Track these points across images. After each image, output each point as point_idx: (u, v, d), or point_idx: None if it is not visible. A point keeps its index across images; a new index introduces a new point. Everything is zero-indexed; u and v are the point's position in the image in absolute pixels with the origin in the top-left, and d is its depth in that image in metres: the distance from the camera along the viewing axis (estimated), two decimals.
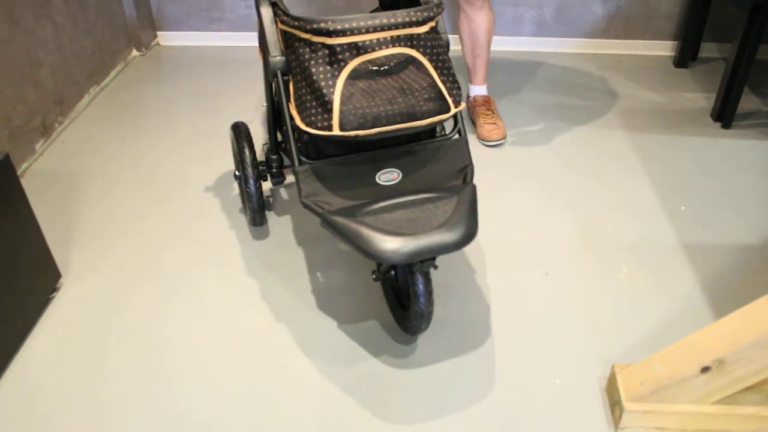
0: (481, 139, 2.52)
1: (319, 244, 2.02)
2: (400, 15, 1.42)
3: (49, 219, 2.17)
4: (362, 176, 1.56)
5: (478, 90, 2.60)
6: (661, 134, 2.58)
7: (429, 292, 1.51)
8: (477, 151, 2.49)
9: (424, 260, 1.41)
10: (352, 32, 1.40)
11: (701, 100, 2.82)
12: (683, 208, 2.17)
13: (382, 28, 1.42)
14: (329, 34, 1.40)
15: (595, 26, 3.15)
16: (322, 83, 1.42)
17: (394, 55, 1.44)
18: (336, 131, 1.42)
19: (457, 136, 1.63)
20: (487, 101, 2.58)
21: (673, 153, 2.46)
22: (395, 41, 1.44)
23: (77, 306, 1.81)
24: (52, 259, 1.84)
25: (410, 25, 1.43)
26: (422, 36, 1.46)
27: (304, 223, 2.12)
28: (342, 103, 1.42)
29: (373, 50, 1.43)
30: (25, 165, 2.45)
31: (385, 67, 1.45)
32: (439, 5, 1.49)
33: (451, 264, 1.94)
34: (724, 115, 2.61)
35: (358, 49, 1.42)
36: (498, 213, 2.15)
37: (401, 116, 1.44)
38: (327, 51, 1.42)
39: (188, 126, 2.68)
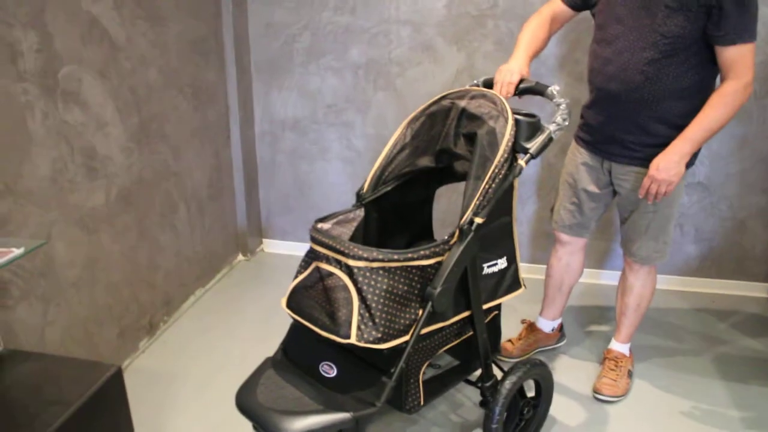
0: (593, 391, 2.45)
1: None
2: (347, 246, 1.65)
3: (142, 419, 2.23)
4: (307, 361, 1.82)
5: (615, 344, 2.55)
6: (760, 386, 2.48)
7: None
8: (566, 399, 2.45)
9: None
10: (312, 240, 1.76)
11: None
12: None
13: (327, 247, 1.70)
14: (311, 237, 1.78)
15: (688, 264, 3.18)
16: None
17: (331, 273, 1.69)
18: (283, 303, 1.80)
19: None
20: (618, 358, 2.50)
21: None
22: (335, 263, 1.69)
23: None
24: None
25: (347, 256, 1.64)
26: (362, 269, 1.63)
27: None
28: (293, 287, 1.79)
29: (322, 261, 1.72)
30: (127, 361, 2.57)
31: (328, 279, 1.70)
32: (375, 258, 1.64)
33: None
34: None
35: (318, 257, 1.74)
36: None
37: (311, 319, 1.70)
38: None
39: (279, 335, 2.77)
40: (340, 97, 3.24)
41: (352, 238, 1.97)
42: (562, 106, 1.90)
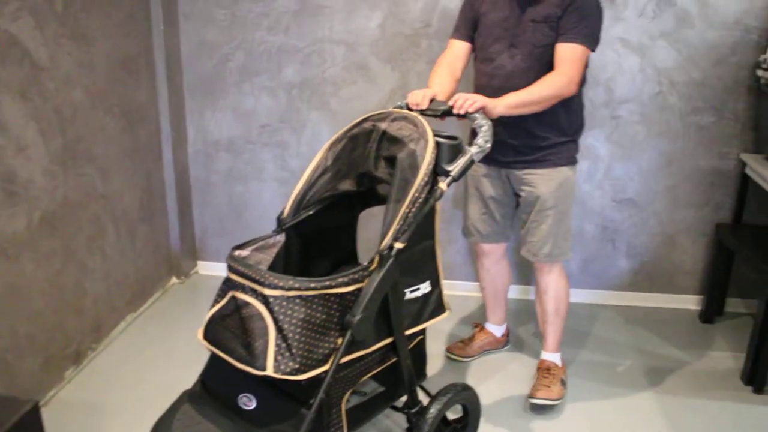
0: (528, 396, 2.48)
1: None
2: (262, 275, 1.62)
3: None
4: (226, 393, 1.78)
5: (545, 355, 2.60)
6: (690, 397, 2.53)
7: None
8: (503, 406, 2.46)
9: None
10: (228, 268, 1.73)
11: (729, 360, 2.79)
12: None
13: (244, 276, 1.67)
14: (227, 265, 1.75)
15: (621, 279, 3.23)
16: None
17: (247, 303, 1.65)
18: (200, 334, 1.77)
19: None
20: (551, 368, 2.54)
21: (703, 420, 2.39)
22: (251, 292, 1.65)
23: None
24: None
25: (263, 285, 1.61)
26: (278, 298, 1.60)
27: None
28: (210, 317, 1.75)
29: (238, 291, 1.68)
30: (51, 393, 2.48)
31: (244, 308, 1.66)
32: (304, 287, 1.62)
33: None
34: (755, 379, 2.57)
35: (234, 286, 1.70)
36: None
37: (228, 350, 1.68)
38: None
39: None
40: (275, 117, 3.21)
41: (273, 264, 1.94)
42: (484, 128, 1.91)
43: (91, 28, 2.58)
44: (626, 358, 2.81)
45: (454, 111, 2.00)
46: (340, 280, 1.65)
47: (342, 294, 1.66)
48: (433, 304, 1.94)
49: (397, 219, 1.72)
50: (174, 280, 3.45)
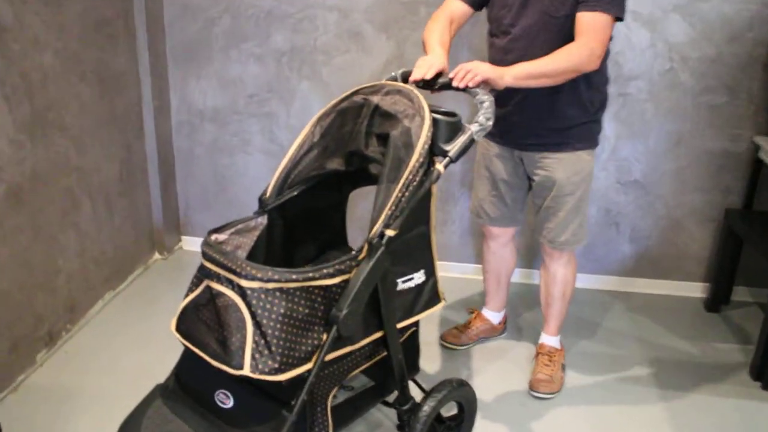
0: (529, 388, 2.37)
1: None
2: (239, 264, 1.46)
3: None
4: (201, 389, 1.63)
5: (546, 338, 2.49)
6: (696, 393, 2.40)
7: None
8: (502, 398, 2.33)
9: None
10: (203, 255, 1.57)
11: (737, 352, 2.66)
12: None
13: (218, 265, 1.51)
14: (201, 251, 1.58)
15: (624, 264, 3.09)
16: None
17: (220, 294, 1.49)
18: (172, 326, 1.62)
19: None
20: (551, 352, 2.45)
21: (709, 418, 2.27)
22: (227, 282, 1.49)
23: None
24: None
25: (239, 276, 1.45)
26: (256, 290, 1.44)
27: None
28: (184, 306, 1.61)
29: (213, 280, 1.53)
30: (21, 377, 2.34)
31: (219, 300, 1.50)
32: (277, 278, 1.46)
33: None
34: (765, 374, 2.45)
35: (209, 275, 1.55)
36: None
37: (201, 345, 1.53)
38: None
39: None
40: (263, 87, 3.03)
41: (254, 249, 1.78)
42: (486, 104, 1.75)
43: None
44: (628, 348, 2.68)
45: (454, 83, 1.83)
46: (325, 271, 1.50)
47: (327, 286, 1.51)
48: (428, 295, 1.79)
49: (389, 204, 1.57)
50: (156, 255, 3.30)
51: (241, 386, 1.56)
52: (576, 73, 1.96)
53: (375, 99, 1.77)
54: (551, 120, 2.13)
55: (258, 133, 3.11)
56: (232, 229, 1.74)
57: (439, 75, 1.88)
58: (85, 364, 2.45)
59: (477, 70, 1.82)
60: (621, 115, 2.84)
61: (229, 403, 1.57)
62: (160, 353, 2.50)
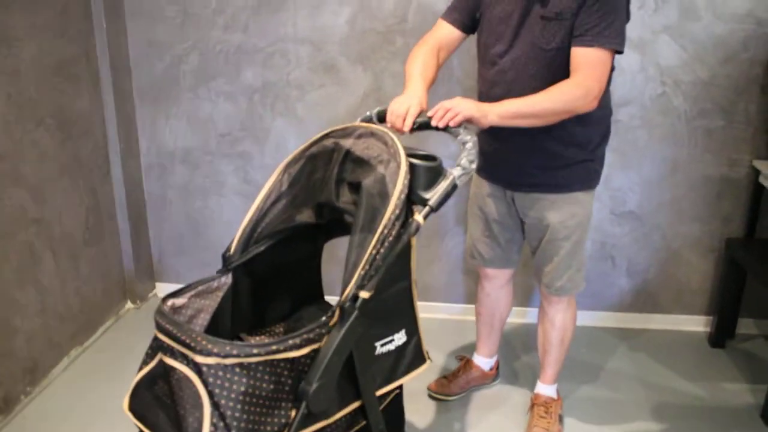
0: None
1: None
2: (193, 338, 1.31)
3: None
4: None
5: (541, 388, 2.32)
6: None
7: None
8: None
9: None
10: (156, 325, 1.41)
11: (746, 393, 2.49)
12: None
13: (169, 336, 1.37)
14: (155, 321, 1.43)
15: (622, 299, 2.93)
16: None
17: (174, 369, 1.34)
18: (125, 405, 1.47)
19: None
20: (548, 403, 2.28)
21: None
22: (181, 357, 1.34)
23: None
24: None
25: (194, 351, 1.30)
26: (213, 367, 1.29)
27: None
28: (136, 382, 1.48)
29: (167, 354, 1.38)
30: None
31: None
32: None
33: None
34: None
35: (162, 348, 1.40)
36: None
37: (156, 428, 1.39)
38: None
39: None
40: (235, 125, 2.87)
41: (219, 312, 1.62)
42: (468, 145, 1.60)
43: (11, 29, 2.23)
44: (630, 392, 2.50)
45: (433, 123, 1.68)
46: (291, 342, 1.33)
47: (294, 358, 1.34)
48: (411, 356, 1.63)
49: (362, 262, 1.41)
50: (129, 305, 3.11)
51: None
52: (569, 114, 1.79)
53: (347, 143, 1.62)
54: (539, 158, 1.95)
55: (231, 174, 2.95)
56: (192, 292, 1.58)
57: (419, 114, 1.72)
58: (47, 430, 2.26)
59: (458, 108, 1.67)
60: (612, 143, 2.66)
61: None
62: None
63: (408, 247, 1.53)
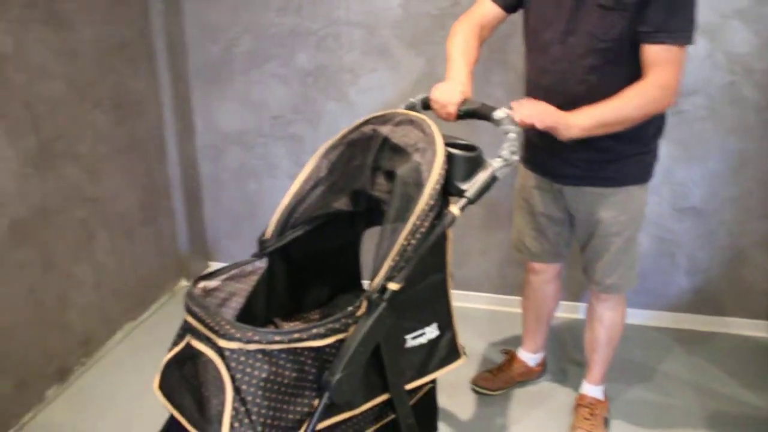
0: None
1: None
2: (218, 322, 1.32)
3: None
4: None
5: (587, 388, 2.26)
6: None
7: None
8: None
9: None
10: (185, 307, 1.43)
11: None
12: None
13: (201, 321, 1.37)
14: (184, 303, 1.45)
15: (681, 299, 2.80)
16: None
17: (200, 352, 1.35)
18: (156, 384, 1.48)
19: None
20: (593, 404, 2.21)
21: None
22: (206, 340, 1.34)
23: None
24: None
25: (217, 335, 1.30)
26: (235, 352, 1.29)
27: None
28: (166, 362, 1.47)
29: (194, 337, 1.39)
30: (28, 415, 2.24)
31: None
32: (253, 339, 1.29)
33: None
34: None
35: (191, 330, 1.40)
36: None
37: (181, 408, 1.38)
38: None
39: None
40: (287, 108, 2.87)
41: (253, 296, 1.62)
42: (510, 135, 1.53)
43: (67, 12, 2.28)
44: (683, 397, 2.39)
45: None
46: (315, 331, 1.31)
47: (318, 347, 1.33)
48: (444, 351, 1.59)
49: (392, 253, 1.37)
50: (183, 282, 3.18)
51: None
52: (653, 114, 1.72)
53: (384, 130, 1.58)
54: (589, 151, 1.84)
55: (284, 157, 2.96)
56: (226, 275, 1.59)
57: (464, 101, 1.66)
58: (100, 400, 2.34)
59: (541, 116, 1.60)
60: (675, 135, 2.56)
61: None
62: None
63: (443, 239, 1.49)
